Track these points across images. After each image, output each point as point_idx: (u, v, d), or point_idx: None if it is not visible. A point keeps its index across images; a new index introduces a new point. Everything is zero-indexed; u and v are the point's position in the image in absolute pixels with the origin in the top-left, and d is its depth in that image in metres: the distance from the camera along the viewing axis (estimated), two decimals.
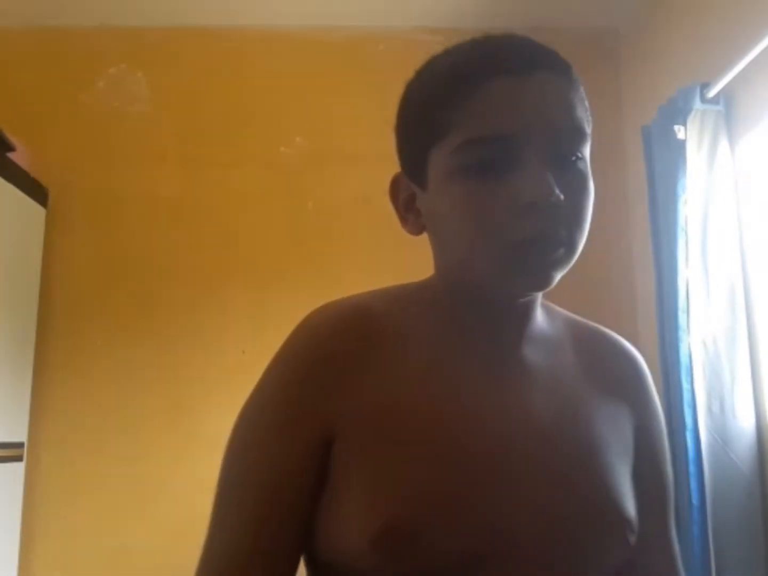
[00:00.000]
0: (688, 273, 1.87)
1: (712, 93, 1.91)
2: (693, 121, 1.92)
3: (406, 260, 2.54)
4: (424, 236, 0.73)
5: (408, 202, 0.72)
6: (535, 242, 0.62)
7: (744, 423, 1.79)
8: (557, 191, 0.61)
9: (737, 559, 1.74)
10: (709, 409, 1.81)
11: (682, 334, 1.86)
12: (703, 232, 1.89)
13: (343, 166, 2.47)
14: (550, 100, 0.64)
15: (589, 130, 0.66)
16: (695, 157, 1.91)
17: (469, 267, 0.67)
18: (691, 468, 1.79)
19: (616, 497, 0.68)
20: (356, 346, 0.67)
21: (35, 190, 2.32)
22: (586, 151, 0.66)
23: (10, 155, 2.17)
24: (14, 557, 2.13)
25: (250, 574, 0.63)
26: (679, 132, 1.92)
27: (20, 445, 2.19)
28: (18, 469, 2.18)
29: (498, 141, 0.62)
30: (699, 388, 1.82)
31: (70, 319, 2.39)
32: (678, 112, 1.95)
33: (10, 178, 2.15)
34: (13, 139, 2.15)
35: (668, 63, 2.29)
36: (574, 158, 0.65)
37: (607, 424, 0.72)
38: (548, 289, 0.67)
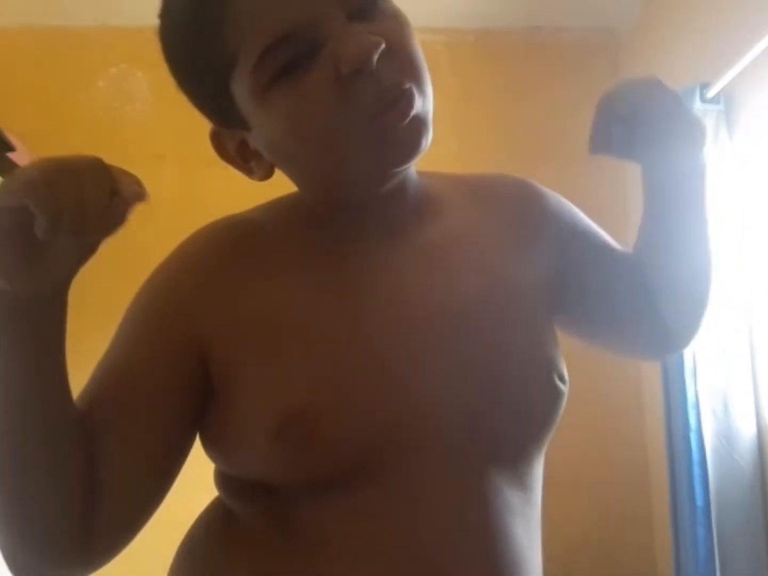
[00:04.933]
0: None
1: (712, 93, 1.91)
2: None
3: None
4: None
5: (243, 152, 0.65)
6: (386, 101, 0.56)
7: (748, 425, 1.79)
8: (374, 38, 0.54)
9: (742, 561, 1.73)
10: (713, 411, 1.80)
11: None
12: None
13: None
14: None
15: None
16: None
17: (340, 171, 0.60)
18: (696, 470, 1.78)
19: (537, 349, 0.65)
20: (228, 263, 0.64)
21: None
22: None
23: (10, 155, 2.17)
24: None
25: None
26: None
27: None
28: None
29: (290, 35, 0.55)
30: (703, 390, 1.81)
31: (69, 320, 2.39)
32: None
33: None
34: (13, 139, 2.15)
35: (668, 63, 2.29)
36: (371, 5, 0.58)
37: (522, 275, 0.69)
38: (426, 144, 0.60)
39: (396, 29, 0.58)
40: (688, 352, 1.84)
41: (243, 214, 0.71)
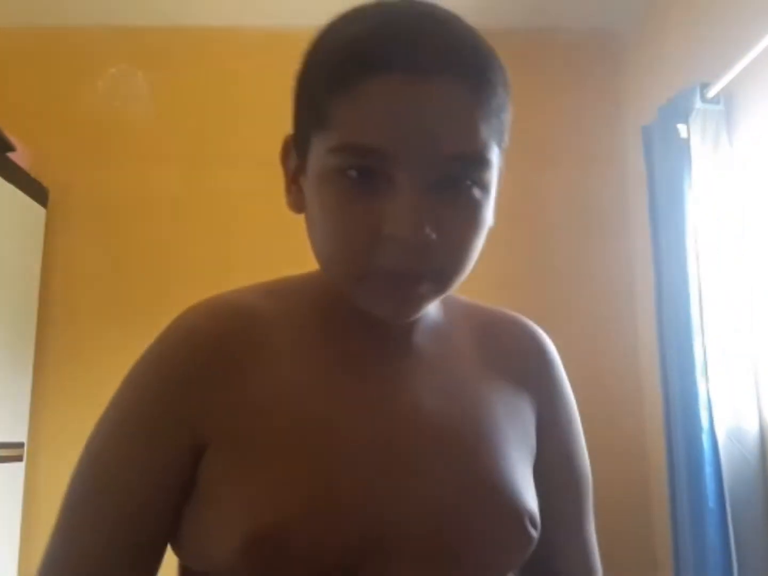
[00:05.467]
0: (700, 271, 1.85)
1: (712, 93, 1.91)
2: (694, 121, 1.92)
3: None
4: None
5: (295, 173, 0.64)
6: (393, 276, 0.57)
7: (752, 422, 1.77)
8: (427, 229, 0.55)
9: (759, 561, 1.70)
10: (724, 411, 1.78)
11: (696, 334, 1.83)
12: (711, 229, 1.88)
13: None
14: (446, 117, 0.55)
15: (493, 155, 0.58)
16: (698, 155, 1.90)
17: (332, 278, 0.62)
18: (707, 470, 1.76)
19: (512, 489, 0.63)
20: (231, 348, 0.62)
21: (35, 190, 2.32)
22: (488, 176, 0.58)
23: (10, 155, 2.17)
24: (14, 557, 2.13)
25: None
26: (683, 130, 1.92)
27: (20, 445, 2.19)
28: (18, 469, 2.18)
29: (374, 154, 0.55)
30: (714, 390, 1.79)
31: (70, 319, 2.39)
32: (678, 112, 1.95)
33: (10, 178, 2.15)
34: (13, 139, 2.15)
35: (668, 63, 2.29)
36: (468, 183, 0.57)
37: (506, 415, 0.68)
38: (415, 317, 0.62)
39: (459, 229, 0.58)
40: (698, 351, 1.82)
41: (241, 295, 0.68)
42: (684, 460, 1.84)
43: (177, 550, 0.64)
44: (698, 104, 1.91)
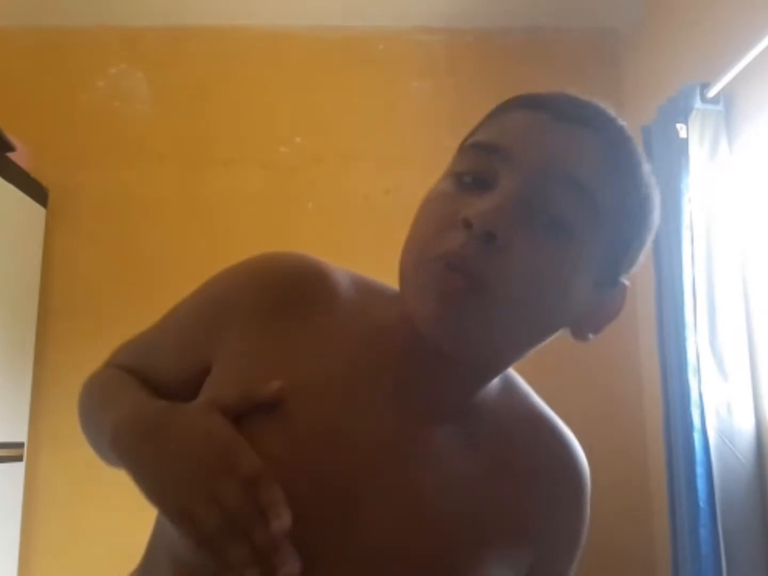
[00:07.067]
0: (695, 271, 1.85)
1: (712, 93, 1.91)
2: (693, 121, 1.92)
3: None
4: None
5: None
6: (440, 259, 0.55)
7: (752, 424, 1.77)
8: (499, 225, 0.54)
9: (748, 561, 1.70)
10: (717, 410, 1.78)
11: (689, 333, 1.83)
12: (707, 229, 1.88)
13: (343, 166, 2.47)
14: (572, 152, 0.57)
15: (600, 208, 0.56)
16: (697, 155, 1.91)
17: (401, 275, 0.60)
18: (698, 469, 1.76)
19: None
20: (288, 297, 0.65)
21: (35, 190, 2.32)
22: (583, 225, 0.56)
23: (10, 155, 2.17)
24: (14, 557, 2.13)
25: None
26: (681, 130, 1.92)
27: (20, 445, 2.19)
28: (18, 469, 2.18)
29: (492, 150, 0.58)
30: (706, 389, 1.79)
31: (70, 319, 2.39)
32: (678, 112, 1.95)
33: (10, 178, 2.15)
34: (13, 139, 2.15)
35: (668, 63, 2.29)
36: (561, 222, 0.56)
37: (496, 524, 0.63)
38: (457, 352, 0.59)
39: (533, 257, 0.55)
40: (690, 351, 1.83)
41: (337, 266, 0.70)
42: (682, 460, 1.84)
43: None
44: (698, 104, 1.91)
